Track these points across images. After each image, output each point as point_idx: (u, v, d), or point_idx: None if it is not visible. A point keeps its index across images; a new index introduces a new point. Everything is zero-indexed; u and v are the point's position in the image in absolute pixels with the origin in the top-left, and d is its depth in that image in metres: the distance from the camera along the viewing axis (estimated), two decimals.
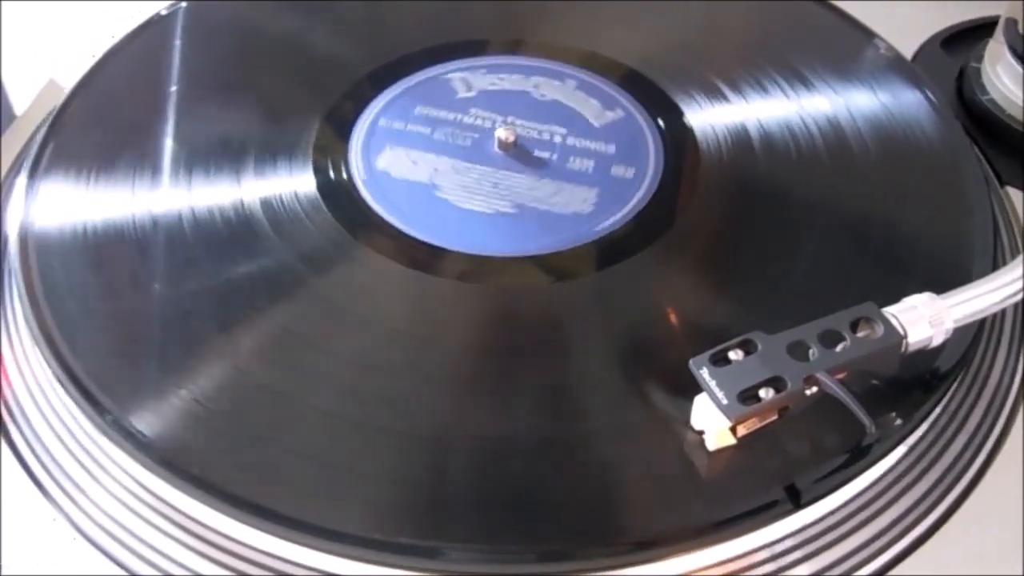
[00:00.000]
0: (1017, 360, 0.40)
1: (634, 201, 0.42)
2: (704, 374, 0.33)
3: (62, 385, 0.36)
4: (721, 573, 0.33)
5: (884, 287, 0.36)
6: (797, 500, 0.33)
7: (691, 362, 0.33)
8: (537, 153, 0.44)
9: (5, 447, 0.37)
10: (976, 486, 0.36)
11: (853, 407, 0.32)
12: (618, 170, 0.43)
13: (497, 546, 0.32)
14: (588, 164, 0.44)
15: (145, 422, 0.35)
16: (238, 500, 0.33)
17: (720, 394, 0.32)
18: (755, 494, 0.33)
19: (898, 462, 0.35)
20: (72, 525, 0.35)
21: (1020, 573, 0.34)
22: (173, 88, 0.47)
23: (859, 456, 0.34)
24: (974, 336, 0.38)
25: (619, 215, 0.41)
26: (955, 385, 0.37)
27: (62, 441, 0.37)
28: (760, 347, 0.33)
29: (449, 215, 0.42)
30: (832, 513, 0.34)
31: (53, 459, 0.37)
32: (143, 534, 0.35)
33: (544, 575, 0.33)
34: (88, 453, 0.36)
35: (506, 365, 0.37)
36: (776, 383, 0.33)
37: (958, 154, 0.44)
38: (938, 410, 0.37)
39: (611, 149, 0.44)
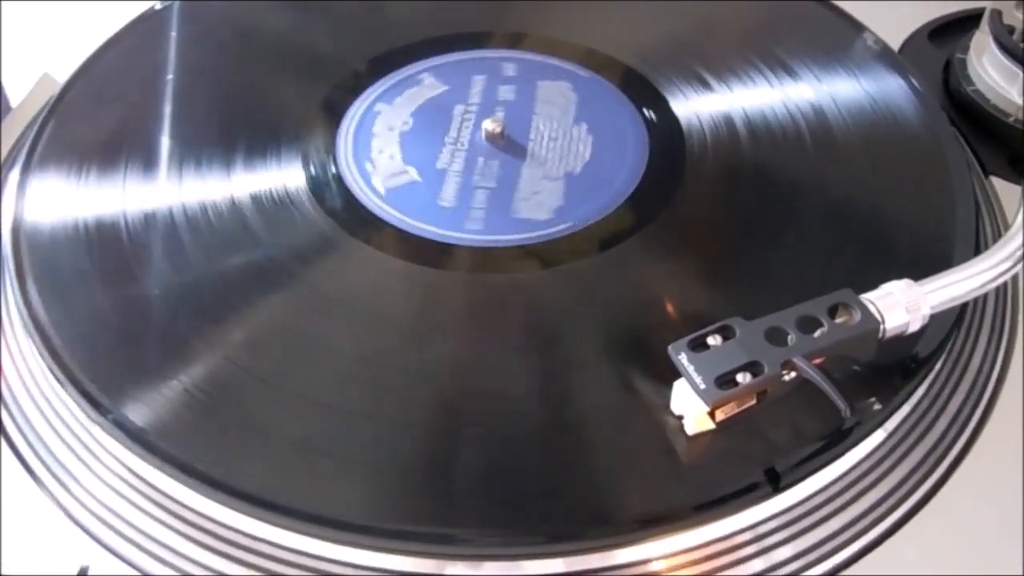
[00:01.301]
0: (998, 346, 0.40)
1: (618, 191, 0.42)
2: (683, 359, 0.33)
3: (55, 376, 0.37)
4: (703, 555, 0.33)
5: (869, 273, 0.37)
6: (776, 483, 0.33)
7: (670, 348, 0.34)
8: (524, 144, 0.44)
9: (2, 439, 0.38)
10: (956, 470, 0.37)
11: (828, 391, 0.32)
12: (603, 161, 0.44)
13: (476, 531, 0.33)
14: (574, 154, 0.44)
15: (137, 412, 0.35)
16: (228, 488, 0.33)
17: (698, 379, 0.33)
18: (735, 478, 0.34)
19: (878, 447, 0.36)
20: (67, 515, 0.36)
21: (999, 555, 0.35)
22: (166, 81, 0.48)
23: (838, 440, 0.34)
24: (954, 322, 0.38)
25: (602, 205, 0.42)
26: (935, 370, 0.38)
27: (56, 432, 0.37)
28: (738, 332, 0.34)
29: (434, 205, 0.42)
30: (812, 496, 0.35)
31: (48, 449, 0.37)
32: (140, 524, 0.35)
33: (523, 558, 0.33)
34: (82, 443, 0.37)
35: (489, 354, 0.38)
36: (753, 368, 0.33)
37: (943, 143, 0.44)
38: (919, 394, 0.37)
39: (598, 141, 0.45)
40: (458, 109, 0.46)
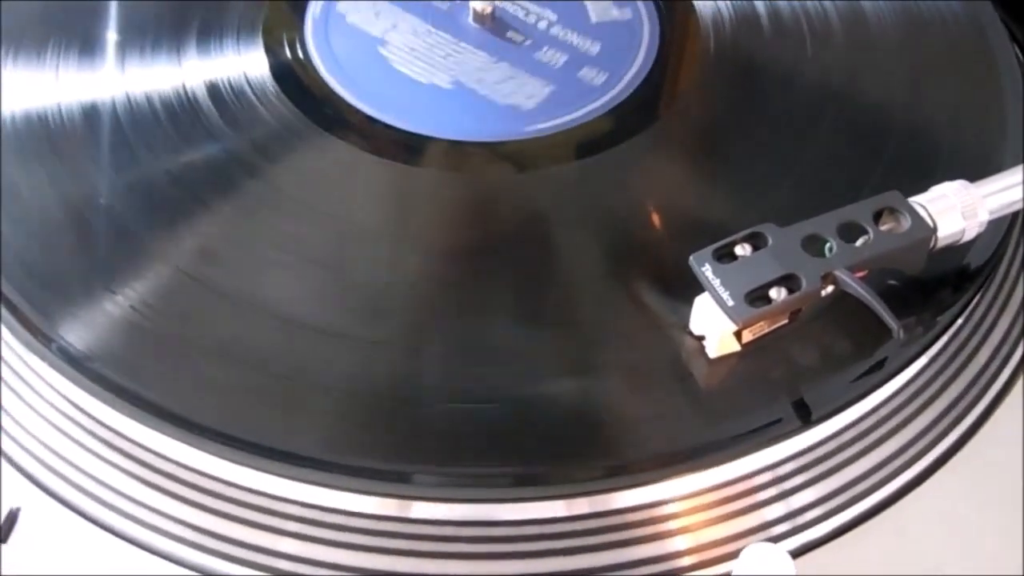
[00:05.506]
0: None
1: (626, 82, 0.39)
2: (707, 272, 0.30)
3: None
4: (722, 497, 0.30)
5: (906, 179, 0.33)
6: (806, 417, 0.30)
7: (692, 258, 0.30)
8: (510, 34, 0.41)
9: None
10: (995, 409, 0.33)
11: (878, 308, 0.29)
12: (610, 48, 0.40)
13: (469, 469, 0.30)
14: (560, 59, 0.40)
15: (76, 334, 0.32)
16: (179, 419, 0.30)
17: (725, 294, 0.29)
18: (759, 409, 0.30)
19: (919, 373, 0.33)
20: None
21: None
22: None
23: (877, 367, 0.31)
24: (1004, 233, 0.34)
25: (609, 96, 0.38)
26: (981, 292, 0.34)
27: None
28: (771, 241, 0.30)
29: (416, 95, 0.38)
30: (842, 432, 0.31)
31: None
32: (78, 460, 0.32)
33: (518, 500, 0.30)
34: (13, 370, 0.33)
35: (472, 262, 0.35)
36: (789, 282, 0.30)
37: (988, 35, 0.41)
38: (962, 319, 0.34)
39: (594, 49, 0.40)
40: None
